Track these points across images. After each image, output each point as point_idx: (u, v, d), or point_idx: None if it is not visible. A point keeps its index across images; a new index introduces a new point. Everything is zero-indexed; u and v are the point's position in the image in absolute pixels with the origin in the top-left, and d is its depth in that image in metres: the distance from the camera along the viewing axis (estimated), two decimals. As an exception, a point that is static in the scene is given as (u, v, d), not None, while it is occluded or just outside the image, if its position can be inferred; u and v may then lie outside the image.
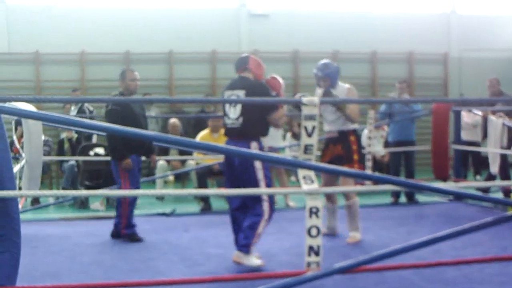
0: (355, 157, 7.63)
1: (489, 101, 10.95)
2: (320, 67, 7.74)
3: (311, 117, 5.17)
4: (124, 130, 5.07)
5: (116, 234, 8.13)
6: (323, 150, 7.92)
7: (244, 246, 6.31)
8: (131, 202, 8.06)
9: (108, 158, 8.31)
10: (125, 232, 8.02)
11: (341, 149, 7.68)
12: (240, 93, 6.44)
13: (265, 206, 6.35)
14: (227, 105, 6.52)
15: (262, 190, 6.29)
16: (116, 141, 7.84)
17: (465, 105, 11.73)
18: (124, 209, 8.00)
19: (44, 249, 7.46)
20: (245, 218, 6.42)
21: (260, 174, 6.30)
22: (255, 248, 6.38)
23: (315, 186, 4.86)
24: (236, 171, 6.40)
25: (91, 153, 11.39)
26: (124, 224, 8.03)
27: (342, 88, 7.71)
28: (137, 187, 8.06)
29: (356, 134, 7.83)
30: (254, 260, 6.32)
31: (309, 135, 5.16)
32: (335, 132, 7.76)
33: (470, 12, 18.87)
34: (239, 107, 6.38)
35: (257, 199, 6.35)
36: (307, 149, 5.17)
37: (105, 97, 10.41)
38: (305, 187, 4.86)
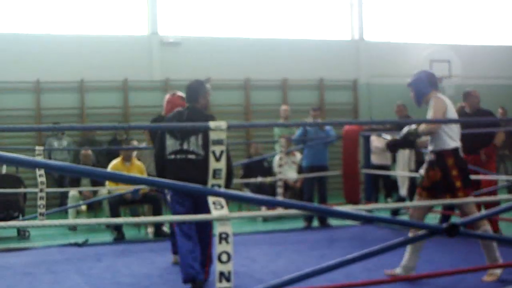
0: (458, 184, 6.47)
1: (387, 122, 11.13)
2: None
3: (218, 142, 5.13)
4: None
5: None
6: (426, 172, 6.78)
7: None
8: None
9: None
10: None
11: (439, 176, 6.59)
12: None
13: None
14: None
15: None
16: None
17: (373, 130, 12.00)
18: None
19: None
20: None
21: None
22: None
23: (224, 211, 4.85)
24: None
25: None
26: None
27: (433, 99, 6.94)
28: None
29: (456, 154, 6.61)
30: None
31: (218, 159, 5.12)
32: (433, 153, 6.69)
33: (378, 39, 19.36)
34: None
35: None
36: (215, 173, 5.13)
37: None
38: (214, 213, 4.85)
